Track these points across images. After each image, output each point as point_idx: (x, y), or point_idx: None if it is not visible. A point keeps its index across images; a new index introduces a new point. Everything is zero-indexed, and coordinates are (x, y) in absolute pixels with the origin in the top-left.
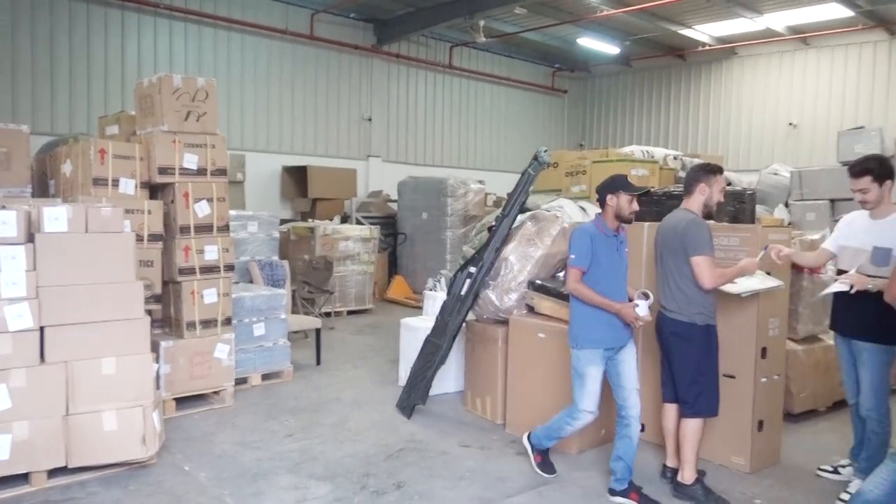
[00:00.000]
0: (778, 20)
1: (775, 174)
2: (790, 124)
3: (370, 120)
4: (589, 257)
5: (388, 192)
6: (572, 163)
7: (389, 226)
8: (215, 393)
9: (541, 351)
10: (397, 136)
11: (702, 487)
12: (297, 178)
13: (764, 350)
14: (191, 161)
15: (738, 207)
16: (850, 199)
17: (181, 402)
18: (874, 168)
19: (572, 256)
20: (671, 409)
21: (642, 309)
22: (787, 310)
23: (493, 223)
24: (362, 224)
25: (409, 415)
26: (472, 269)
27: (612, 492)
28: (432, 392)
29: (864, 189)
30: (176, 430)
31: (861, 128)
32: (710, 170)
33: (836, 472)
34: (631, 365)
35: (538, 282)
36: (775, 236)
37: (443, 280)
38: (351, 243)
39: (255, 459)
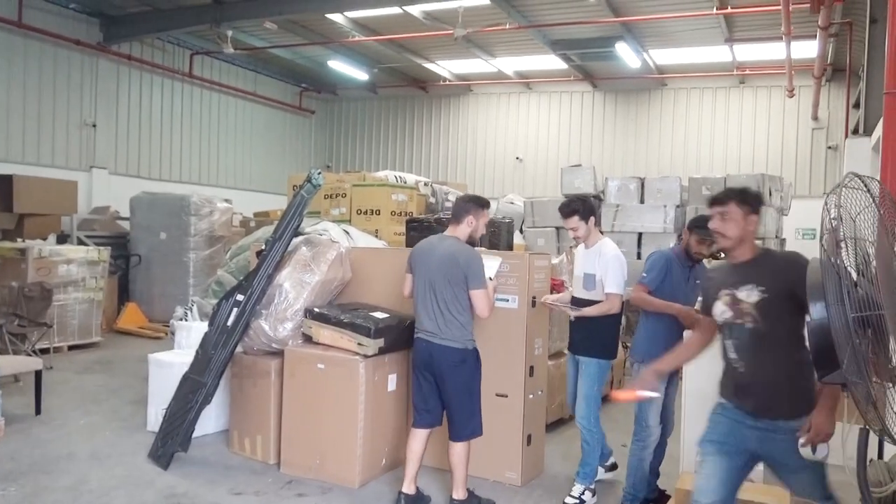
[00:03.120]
0: (508, 64)
1: (511, 203)
2: (517, 158)
3: (94, 126)
4: (658, 281)
5: (118, 208)
6: (331, 185)
7: (120, 246)
8: None
9: (321, 382)
10: (128, 147)
11: (476, 500)
12: None
13: (532, 369)
14: None
15: (495, 233)
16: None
17: None
18: (579, 208)
19: (644, 275)
20: (422, 435)
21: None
22: (548, 330)
23: (263, 247)
24: (86, 244)
25: (166, 465)
26: (240, 297)
27: None
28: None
29: (574, 227)
30: None
31: (579, 165)
32: (481, 203)
33: None
34: None
35: (316, 309)
36: (539, 262)
37: (195, 308)
38: (74, 267)
39: None
